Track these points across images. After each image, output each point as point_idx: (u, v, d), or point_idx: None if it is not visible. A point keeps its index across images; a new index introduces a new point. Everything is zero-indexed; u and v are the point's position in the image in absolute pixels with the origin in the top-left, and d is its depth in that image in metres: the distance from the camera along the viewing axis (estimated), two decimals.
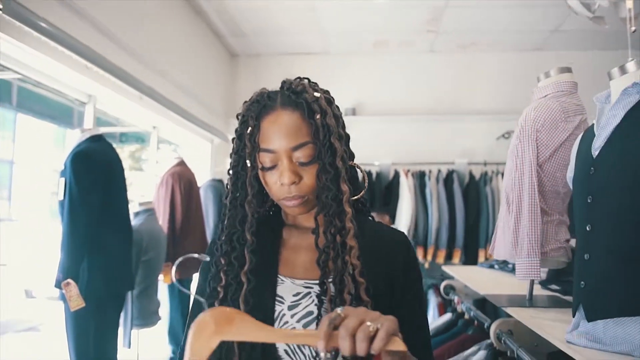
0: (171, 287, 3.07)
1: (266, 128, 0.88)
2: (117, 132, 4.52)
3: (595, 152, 1.24)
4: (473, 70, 5.01)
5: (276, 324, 0.86)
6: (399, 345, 0.66)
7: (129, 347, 2.62)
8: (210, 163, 4.58)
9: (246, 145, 0.89)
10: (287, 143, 0.87)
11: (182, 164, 3.27)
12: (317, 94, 0.92)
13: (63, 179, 2.15)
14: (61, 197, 2.15)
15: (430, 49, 4.96)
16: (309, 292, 0.88)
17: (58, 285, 2.07)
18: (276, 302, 0.88)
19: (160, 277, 2.94)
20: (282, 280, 0.90)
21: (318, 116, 0.88)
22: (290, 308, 0.87)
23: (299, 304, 0.86)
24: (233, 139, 0.94)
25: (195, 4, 4.00)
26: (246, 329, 0.70)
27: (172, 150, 4.34)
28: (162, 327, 3.04)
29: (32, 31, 2.10)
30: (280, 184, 0.88)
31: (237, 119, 0.94)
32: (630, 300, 1.09)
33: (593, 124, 1.32)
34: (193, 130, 4.11)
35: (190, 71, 4.07)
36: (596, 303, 1.13)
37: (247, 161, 0.90)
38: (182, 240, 3.07)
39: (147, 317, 2.70)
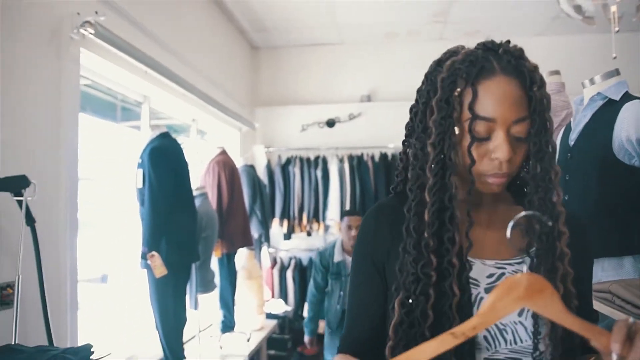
0: (220, 260, 3.55)
1: (485, 94, 0.77)
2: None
3: (571, 142, 1.68)
4: None
5: (474, 308, 0.80)
6: None
7: (196, 309, 3.12)
8: (239, 150, 5.01)
9: (455, 110, 0.79)
10: (509, 114, 0.77)
11: (224, 152, 3.72)
12: (534, 63, 0.81)
13: (141, 170, 2.61)
14: (140, 186, 2.61)
15: (438, 37, 5.34)
16: (503, 273, 0.83)
17: (144, 257, 2.54)
18: (471, 286, 0.82)
19: None
20: (471, 261, 0.83)
21: (536, 88, 0.78)
22: (487, 291, 0.82)
23: (494, 286, 0.74)
24: (423, 102, 0.84)
25: (221, 3, 4.40)
26: (550, 306, 0.69)
27: (201, 139, 4.76)
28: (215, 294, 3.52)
29: (109, 46, 2.53)
30: (490, 158, 0.79)
31: (427, 80, 0.86)
32: (595, 246, 1.54)
33: (571, 121, 1.76)
34: (224, 120, 4.55)
35: (218, 66, 4.46)
36: None
37: (456, 128, 0.79)
38: (227, 220, 3.54)
39: (206, 284, 3.19)
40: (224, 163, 3.59)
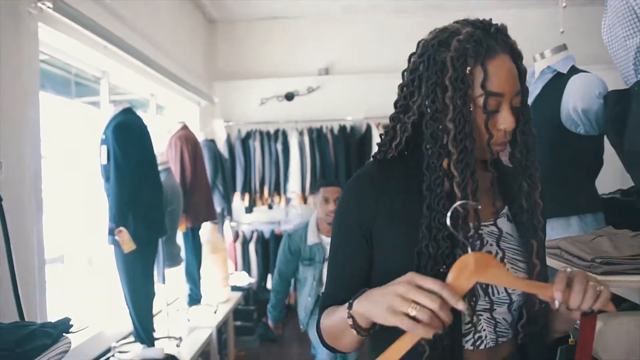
0: (185, 234, 3.57)
1: (493, 72, 0.84)
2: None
3: None
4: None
5: None
6: (611, 307, 0.79)
7: (164, 283, 3.16)
8: (199, 124, 4.98)
9: (470, 87, 0.85)
10: (513, 88, 0.86)
11: (185, 127, 3.71)
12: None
13: (105, 147, 2.59)
14: (104, 162, 2.60)
15: (397, 10, 5.39)
16: (481, 234, 0.87)
17: (111, 232, 2.55)
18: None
19: None
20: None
21: (520, 62, 0.90)
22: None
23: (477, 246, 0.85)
24: (432, 82, 0.88)
25: None
26: (498, 275, 0.78)
27: (159, 114, 4.70)
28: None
29: (67, 20, 2.48)
30: (498, 129, 0.88)
31: (429, 60, 0.89)
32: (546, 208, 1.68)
33: None
34: (183, 94, 4.51)
35: (175, 40, 4.37)
36: None
37: (471, 105, 0.86)
38: (191, 194, 3.55)
39: (173, 258, 3.22)
40: (186, 138, 3.59)
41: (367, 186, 0.96)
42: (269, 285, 5.10)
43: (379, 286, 0.81)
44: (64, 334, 1.33)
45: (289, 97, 5.53)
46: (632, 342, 1.18)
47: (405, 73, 0.96)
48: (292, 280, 3.09)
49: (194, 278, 3.63)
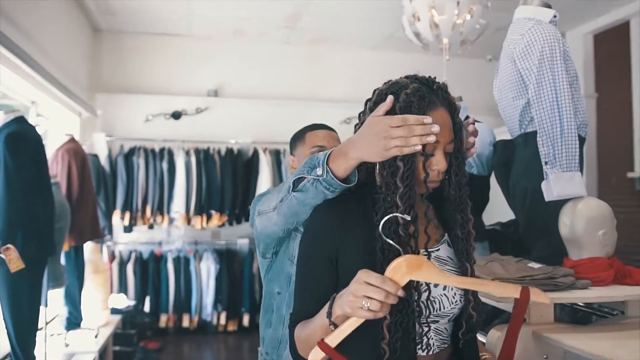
0: (67, 253, 3.36)
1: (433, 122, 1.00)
2: None
3: None
4: (323, 63, 5.80)
5: (430, 285, 1.04)
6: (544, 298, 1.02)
7: (46, 305, 2.93)
8: (79, 137, 4.70)
9: None
10: (447, 137, 1.03)
11: (73, 140, 3.52)
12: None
13: None
14: None
15: (285, 41, 5.65)
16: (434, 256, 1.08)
17: None
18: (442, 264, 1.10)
19: None
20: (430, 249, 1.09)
21: (456, 115, 1.07)
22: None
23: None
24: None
25: None
26: (430, 274, 0.95)
27: (38, 124, 4.39)
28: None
29: None
30: (432, 169, 1.04)
31: (398, 110, 1.03)
32: None
33: None
34: (65, 103, 4.24)
35: (57, 45, 4.12)
36: None
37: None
38: (78, 211, 3.36)
39: (58, 278, 3.00)
40: (75, 151, 3.41)
41: (334, 217, 1.09)
42: (147, 308, 4.92)
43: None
44: None
45: (176, 115, 5.45)
46: (519, 351, 1.45)
47: (360, 115, 1.13)
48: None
49: (74, 300, 3.42)
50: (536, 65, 1.63)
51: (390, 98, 1.04)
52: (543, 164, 1.62)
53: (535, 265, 1.56)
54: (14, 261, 2.36)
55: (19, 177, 2.40)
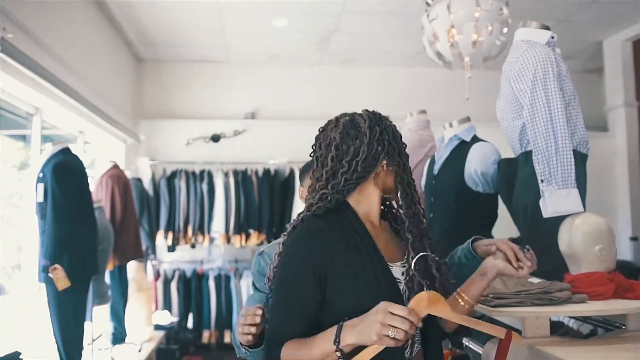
0: (112, 272, 3.59)
1: None
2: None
3: (435, 172, 2.16)
4: (354, 81, 5.93)
5: (405, 298, 1.15)
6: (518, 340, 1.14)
7: (92, 321, 3.16)
8: (124, 162, 5.00)
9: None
10: None
11: (116, 167, 3.78)
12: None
13: (42, 184, 2.66)
14: (41, 200, 2.65)
15: (318, 62, 5.82)
16: (404, 271, 1.18)
17: (45, 270, 2.58)
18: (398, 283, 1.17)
19: None
20: (390, 265, 1.18)
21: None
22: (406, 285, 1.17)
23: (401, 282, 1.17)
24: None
25: (109, 13, 4.40)
26: (444, 310, 1.06)
27: (86, 151, 4.70)
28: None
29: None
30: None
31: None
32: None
33: (435, 154, 2.25)
34: (110, 131, 4.54)
35: (102, 76, 4.40)
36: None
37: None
38: (120, 233, 3.60)
39: (102, 296, 3.24)
40: (118, 177, 3.66)
41: (318, 241, 1.16)
42: (189, 324, 5.12)
43: (332, 321, 1.08)
44: None
45: (215, 138, 5.69)
46: None
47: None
48: None
49: (119, 316, 3.64)
50: (529, 87, 1.69)
51: None
52: (539, 181, 1.67)
53: (535, 280, 1.61)
54: (61, 280, 2.58)
55: (65, 203, 2.63)
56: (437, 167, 2.16)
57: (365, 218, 1.23)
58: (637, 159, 4.98)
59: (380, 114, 1.29)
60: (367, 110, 1.29)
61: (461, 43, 3.19)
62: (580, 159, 1.74)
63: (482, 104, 3.14)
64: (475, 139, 2.14)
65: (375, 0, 4.22)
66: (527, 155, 1.79)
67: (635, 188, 4.93)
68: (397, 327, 0.98)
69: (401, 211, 1.25)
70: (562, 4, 4.25)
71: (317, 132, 1.31)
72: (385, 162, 1.23)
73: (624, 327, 1.56)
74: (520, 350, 1.45)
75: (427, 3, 3.38)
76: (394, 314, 0.99)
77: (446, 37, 3.19)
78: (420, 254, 1.15)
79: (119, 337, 3.65)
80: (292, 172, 5.51)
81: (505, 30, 3.26)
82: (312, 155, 1.31)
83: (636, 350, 1.39)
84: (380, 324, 0.99)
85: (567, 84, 1.74)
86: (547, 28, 1.85)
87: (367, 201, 1.24)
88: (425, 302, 1.04)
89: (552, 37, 1.82)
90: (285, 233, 1.23)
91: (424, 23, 3.36)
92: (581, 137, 1.76)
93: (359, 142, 1.21)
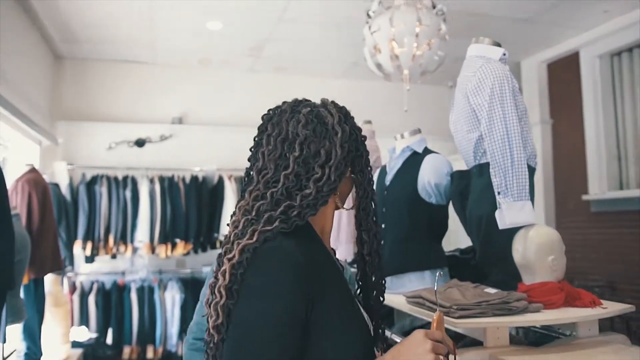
0: (27, 286, 3.27)
1: None
2: None
3: (387, 182, 2.15)
4: (288, 90, 5.84)
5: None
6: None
7: (4, 341, 2.84)
8: (39, 166, 4.62)
9: None
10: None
11: (34, 170, 3.46)
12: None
13: None
14: None
15: (249, 69, 5.72)
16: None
17: None
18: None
19: None
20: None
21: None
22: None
23: None
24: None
25: (26, 4, 4.04)
26: (443, 328, 1.03)
27: None
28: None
29: None
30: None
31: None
32: (401, 264, 2.01)
33: (386, 164, 2.25)
34: (23, 131, 4.18)
35: (16, 71, 4.07)
36: (387, 266, 2.03)
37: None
38: (38, 243, 3.29)
39: (17, 313, 2.92)
40: (35, 182, 3.35)
41: (300, 270, 0.90)
42: (109, 340, 4.80)
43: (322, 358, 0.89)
44: None
45: (140, 143, 5.42)
46: None
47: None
48: None
49: (33, 335, 3.31)
50: (487, 101, 1.74)
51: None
52: (496, 194, 1.72)
53: (492, 291, 1.63)
54: None
55: None
56: (389, 177, 2.16)
57: (321, 236, 1.04)
58: (552, 174, 5.33)
59: (345, 107, 1.10)
60: (328, 101, 1.08)
61: (401, 56, 3.25)
62: (530, 172, 1.80)
63: (421, 117, 3.21)
64: (427, 151, 2.17)
65: (315, 9, 4.21)
66: (481, 168, 1.83)
67: (549, 203, 5.25)
68: (441, 354, 0.90)
69: (360, 231, 1.09)
70: (484, 24, 4.46)
71: (261, 120, 1.09)
72: (349, 169, 1.04)
73: (574, 335, 1.62)
74: None
75: (368, 15, 3.43)
76: (436, 341, 0.91)
77: (387, 50, 3.24)
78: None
79: (32, 357, 3.32)
80: (220, 179, 5.37)
81: (443, 46, 3.37)
82: (252, 149, 1.08)
83: (591, 356, 1.44)
84: (434, 353, 0.88)
85: (519, 99, 1.80)
86: (499, 45, 1.91)
87: (322, 215, 1.03)
88: (442, 322, 1.02)
89: (504, 54, 1.88)
90: (232, 256, 0.92)
91: (365, 34, 3.39)
92: (531, 151, 1.82)
93: (329, 144, 0.99)
